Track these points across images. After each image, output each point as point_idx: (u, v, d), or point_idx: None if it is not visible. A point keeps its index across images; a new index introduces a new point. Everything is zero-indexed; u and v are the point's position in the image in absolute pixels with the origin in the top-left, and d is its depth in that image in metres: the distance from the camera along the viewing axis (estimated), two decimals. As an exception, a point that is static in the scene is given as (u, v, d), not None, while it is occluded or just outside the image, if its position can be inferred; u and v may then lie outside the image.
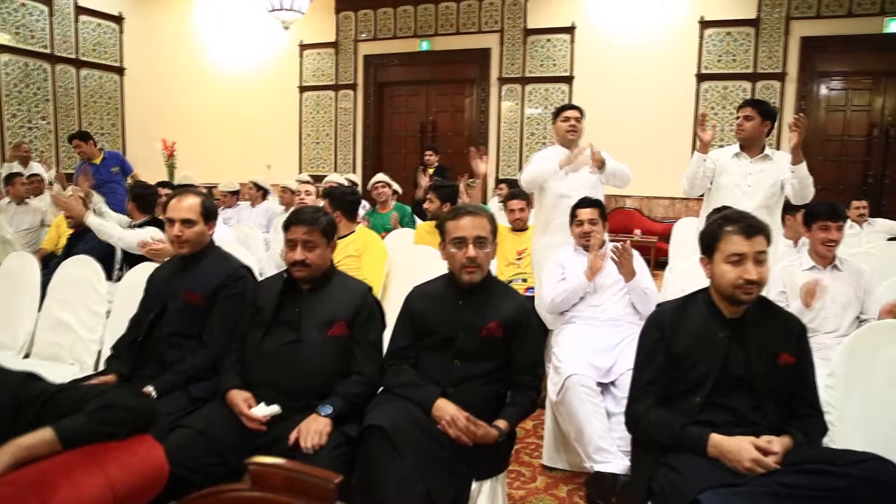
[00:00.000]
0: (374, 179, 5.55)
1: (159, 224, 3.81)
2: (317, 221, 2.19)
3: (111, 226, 3.59)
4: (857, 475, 1.56)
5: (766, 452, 1.72)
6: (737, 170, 3.57)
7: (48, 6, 8.13)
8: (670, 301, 2.20)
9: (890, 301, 2.87)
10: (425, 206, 4.26)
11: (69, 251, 4.06)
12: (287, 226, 2.21)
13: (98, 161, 6.38)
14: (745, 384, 1.86)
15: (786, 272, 3.20)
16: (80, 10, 8.53)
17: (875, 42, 7.57)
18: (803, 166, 3.40)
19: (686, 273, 3.24)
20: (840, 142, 8.03)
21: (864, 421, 2.08)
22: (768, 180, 3.53)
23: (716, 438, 1.78)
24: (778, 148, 7.04)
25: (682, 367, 1.91)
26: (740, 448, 1.74)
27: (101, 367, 2.73)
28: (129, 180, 6.57)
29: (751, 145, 3.60)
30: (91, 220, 3.51)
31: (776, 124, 4.04)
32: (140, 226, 3.84)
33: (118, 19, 9.05)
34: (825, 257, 3.11)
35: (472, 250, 2.08)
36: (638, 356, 2.04)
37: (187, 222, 2.43)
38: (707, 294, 1.99)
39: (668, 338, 1.95)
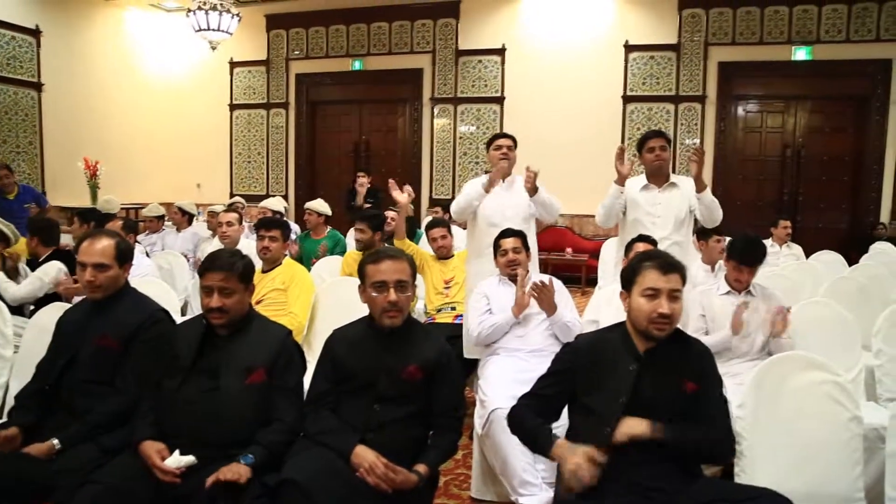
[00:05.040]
0: (305, 206, 5.50)
1: (65, 256, 3.68)
2: (233, 267, 2.14)
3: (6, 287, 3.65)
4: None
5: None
6: (644, 201, 3.68)
7: (-43, 19, 7.72)
8: (588, 333, 2.30)
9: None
10: (356, 237, 4.21)
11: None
12: (202, 272, 2.16)
13: (12, 196, 6.10)
14: (653, 414, 1.92)
15: (704, 296, 3.33)
16: (-8, 23, 8.12)
17: (785, 68, 8.06)
18: (707, 192, 3.57)
19: (602, 307, 3.32)
20: (757, 161, 8.46)
21: (769, 451, 2.17)
22: (676, 208, 3.64)
23: (560, 441, 1.94)
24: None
25: (593, 397, 1.97)
26: (573, 450, 1.87)
27: (5, 418, 2.59)
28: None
29: (659, 174, 3.71)
30: None
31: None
32: (46, 259, 3.70)
33: (35, 32, 8.62)
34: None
35: (393, 295, 2.08)
36: (546, 371, 2.14)
37: (100, 267, 2.33)
38: (623, 327, 2.06)
39: (579, 367, 2.02)
